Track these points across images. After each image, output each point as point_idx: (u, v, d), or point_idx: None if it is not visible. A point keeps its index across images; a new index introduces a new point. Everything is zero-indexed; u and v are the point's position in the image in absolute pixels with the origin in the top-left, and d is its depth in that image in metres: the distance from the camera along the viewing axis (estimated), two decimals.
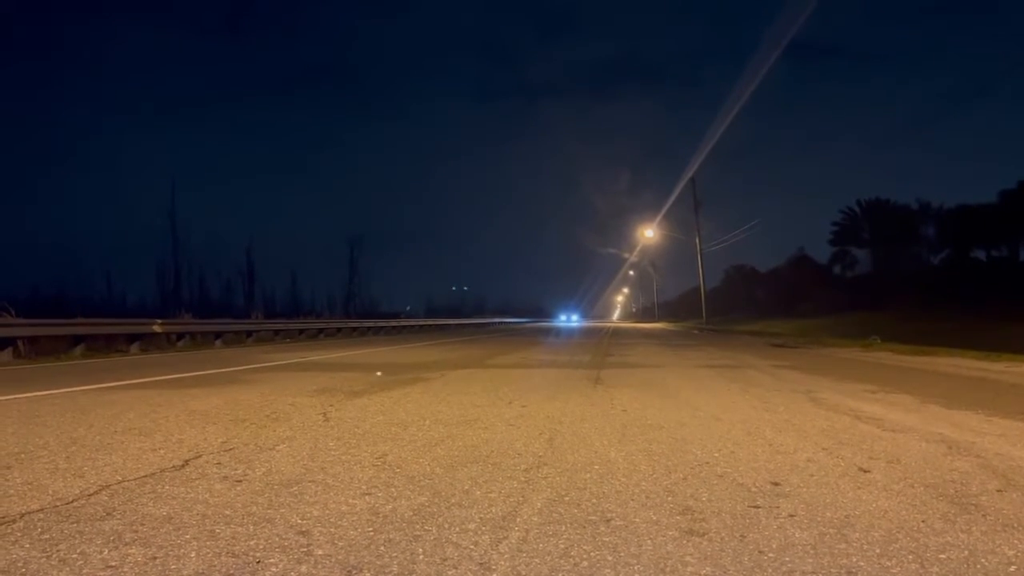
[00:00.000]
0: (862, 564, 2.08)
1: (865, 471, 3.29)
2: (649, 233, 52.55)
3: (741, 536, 2.34)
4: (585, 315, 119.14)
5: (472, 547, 2.24)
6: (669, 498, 2.83)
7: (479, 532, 2.40)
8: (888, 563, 2.09)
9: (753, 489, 2.97)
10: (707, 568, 2.05)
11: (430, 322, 47.66)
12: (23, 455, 3.75)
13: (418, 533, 2.39)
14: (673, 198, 46.09)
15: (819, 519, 2.53)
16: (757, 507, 2.69)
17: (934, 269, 57.74)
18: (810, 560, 2.11)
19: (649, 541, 2.30)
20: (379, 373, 9.20)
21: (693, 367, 10.33)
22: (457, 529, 2.43)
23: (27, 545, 2.29)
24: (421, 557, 2.15)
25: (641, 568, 2.05)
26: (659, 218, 50.41)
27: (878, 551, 2.19)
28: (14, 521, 2.56)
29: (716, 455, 3.68)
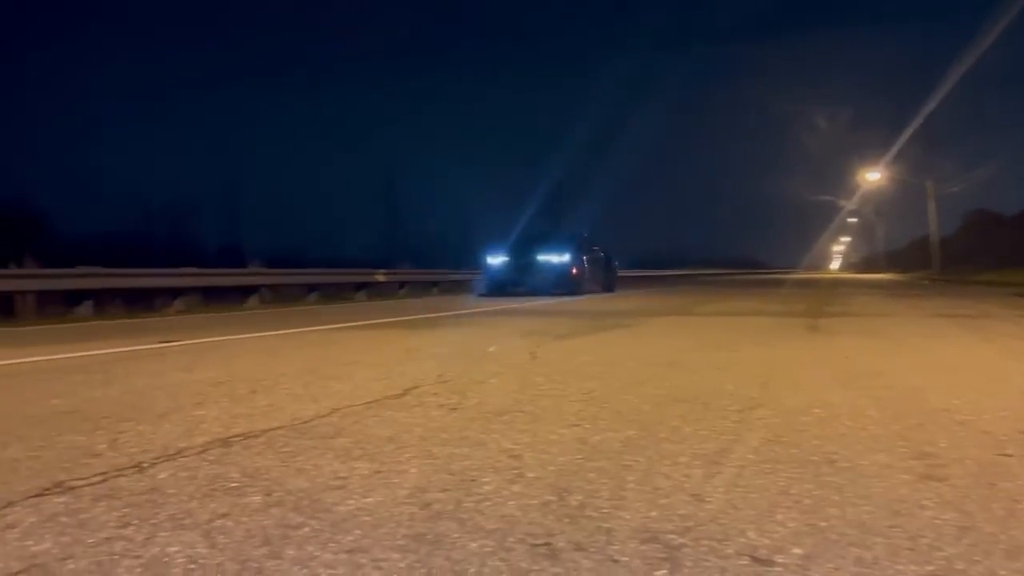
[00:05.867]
0: None
1: None
2: (874, 175, 48.30)
3: (989, 484, 2.09)
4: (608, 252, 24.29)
5: (684, 479, 2.18)
6: (901, 443, 2.59)
7: (690, 466, 2.32)
8: None
9: (1002, 438, 2.65)
10: (949, 513, 1.85)
11: (633, 273, 47.49)
12: (266, 382, 4.16)
13: (627, 463, 2.36)
14: (904, 138, 41.72)
15: None
16: (1008, 455, 2.40)
17: None
18: None
19: (879, 483, 2.11)
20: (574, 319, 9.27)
21: (924, 316, 9.46)
22: (668, 462, 2.37)
23: (270, 456, 2.53)
24: (631, 485, 2.12)
25: (871, 509, 1.89)
26: (886, 160, 46.06)
27: None
28: (258, 436, 2.83)
29: (955, 403, 3.33)
